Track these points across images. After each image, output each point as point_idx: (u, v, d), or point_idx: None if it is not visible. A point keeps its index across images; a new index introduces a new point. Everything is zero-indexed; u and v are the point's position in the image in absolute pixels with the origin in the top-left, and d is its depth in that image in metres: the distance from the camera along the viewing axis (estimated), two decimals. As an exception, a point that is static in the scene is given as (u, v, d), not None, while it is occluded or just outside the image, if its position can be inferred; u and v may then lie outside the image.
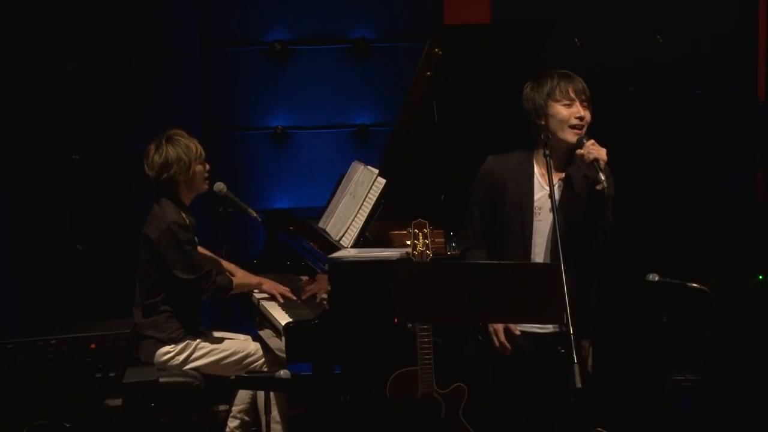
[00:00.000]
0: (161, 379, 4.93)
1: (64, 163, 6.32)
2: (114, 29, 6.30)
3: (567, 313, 3.68)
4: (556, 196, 4.15)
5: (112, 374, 4.06)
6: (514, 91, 4.35)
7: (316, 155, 6.59)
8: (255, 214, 5.60)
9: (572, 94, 4.16)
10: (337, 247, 5.15)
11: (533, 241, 4.18)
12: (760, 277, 5.34)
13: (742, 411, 5.36)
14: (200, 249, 5.31)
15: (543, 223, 4.18)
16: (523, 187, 4.19)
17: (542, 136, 4.14)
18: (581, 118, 4.15)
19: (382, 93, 6.55)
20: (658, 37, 6.47)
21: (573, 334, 3.68)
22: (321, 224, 5.57)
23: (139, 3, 6.35)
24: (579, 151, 4.09)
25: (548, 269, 3.76)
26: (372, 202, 5.14)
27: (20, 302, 6.28)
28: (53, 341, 3.94)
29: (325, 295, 4.92)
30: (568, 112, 4.15)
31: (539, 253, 4.18)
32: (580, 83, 4.20)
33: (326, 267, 4.89)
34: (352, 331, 4.81)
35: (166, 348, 5.08)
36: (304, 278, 5.37)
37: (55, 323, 5.23)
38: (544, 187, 4.18)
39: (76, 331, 4.08)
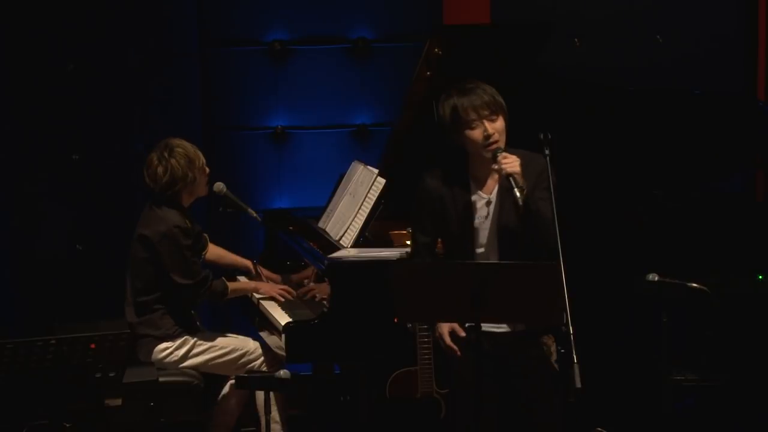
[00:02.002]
0: (161, 379, 4.93)
1: (64, 163, 6.32)
2: (114, 29, 6.30)
3: (567, 314, 3.68)
4: (494, 205, 4.14)
5: (111, 374, 4.07)
6: (514, 91, 4.35)
7: (315, 155, 6.59)
8: (255, 214, 5.60)
9: (473, 116, 4.08)
10: (336, 247, 5.15)
11: (476, 250, 4.16)
12: (760, 277, 5.34)
13: (742, 411, 5.36)
14: (212, 246, 5.34)
15: (485, 231, 4.16)
16: (460, 200, 4.18)
17: (542, 137, 4.12)
18: (489, 136, 4.08)
19: (382, 93, 6.55)
20: (658, 37, 6.47)
21: (573, 333, 3.68)
22: (321, 224, 5.57)
23: (139, 3, 6.35)
24: (493, 166, 4.06)
25: (548, 269, 3.76)
26: (372, 202, 5.14)
27: (20, 302, 6.28)
28: (53, 341, 3.95)
29: (324, 295, 4.92)
30: (477, 134, 4.09)
31: (484, 260, 4.15)
32: (480, 97, 4.08)
33: (326, 267, 4.89)
34: (351, 331, 4.81)
35: (165, 344, 5.08)
36: (302, 275, 5.37)
37: (55, 323, 5.22)
38: (482, 197, 4.17)
39: (76, 331, 4.09)
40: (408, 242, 4.46)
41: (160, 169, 5.04)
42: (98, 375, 4.04)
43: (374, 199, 5.13)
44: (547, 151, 4.07)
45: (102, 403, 4.21)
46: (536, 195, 4.04)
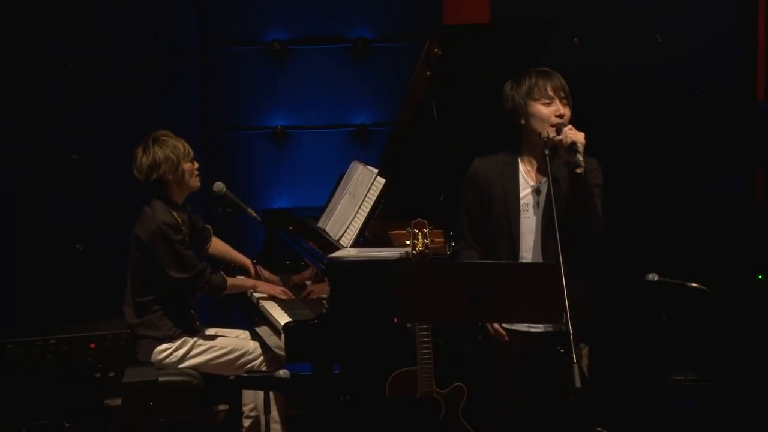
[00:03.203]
0: (160, 379, 4.93)
1: (64, 163, 6.32)
2: (114, 29, 6.30)
3: (566, 313, 3.68)
4: (543, 192, 4.15)
5: (111, 374, 4.07)
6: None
7: (315, 155, 6.59)
8: (255, 214, 5.60)
9: (551, 93, 4.15)
10: (336, 246, 5.14)
11: (521, 238, 4.18)
12: (760, 277, 5.34)
13: (742, 411, 5.36)
14: (215, 240, 5.36)
15: (531, 220, 4.18)
16: (508, 185, 4.20)
17: (541, 136, 4.13)
18: (561, 116, 4.14)
19: (382, 93, 6.55)
20: (657, 37, 6.47)
21: (573, 333, 3.67)
22: (320, 224, 5.57)
23: (138, 3, 6.35)
24: (557, 137, 4.09)
25: (547, 269, 3.76)
26: (371, 202, 5.14)
27: (20, 302, 6.28)
28: (53, 341, 3.95)
29: (324, 295, 4.92)
30: (548, 111, 4.14)
31: (528, 249, 4.18)
32: (559, 80, 4.19)
33: (325, 267, 4.88)
34: (351, 331, 4.81)
35: (164, 346, 5.08)
36: (303, 276, 5.37)
37: (55, 323, 5.23)
38: (530, 185, 4.20)
39: (75, 331, 4.09)
40: (407, 242, 4.46)
41: (144, 158, 5.06)
42: (98, 375, 4.04)
43: (374, 198, 5.13)
44: (547, 151, 4.08)
45: (102, 403, 4.21)
46: (591, 185, 4.09)
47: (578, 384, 3.62)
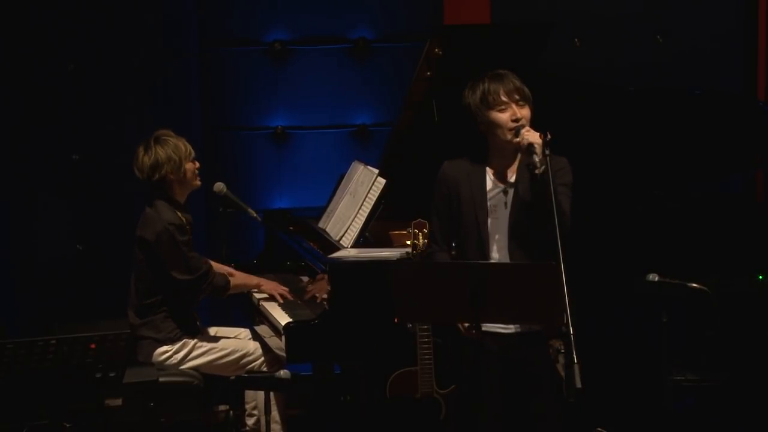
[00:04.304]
0: (161, 379, 4.93)
1: (64, 163, 6.32)
2: (114, 29, 6.30)
3: (567, 314, 3.68)
4: (511, 193, 4.15)
5: (111, 374, 4.07)
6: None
7: (316, 155, 6.59)
8: (255, 214, 5.60)
9: (504, 98, 4.13)
10: (337, 247, 5.15)
11: (490, 239, 4.17)
12: (760, 277, 5.34)
13: (742, 411, 5.36)
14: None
15: (499, 221, 4.18)
16: (476, 187, 4.20)
17: (542, 137, 4.12)
18: (517, 120, 4.12)
19: (382, 93, 6.55)
20: (658, 37, 6.47)
21: (573, 334, 3.67)
22: (321, 224, 5.57)
23: (139, 3, 6.35)
24: (514, 140, 4.09)
25: (547, 269, 3.76)
26: (372, 202, 5.14)
27: (20, 302, 6.28)
28: (53, 341, 3.95)
29: (325, 296, 4.92)
30: (504, 117, 4.13)
31: (497, 250, 4.17)
32: (512, 82, 4.15)
33: (326, 267, 4.89)
34: (352, 331, 4.81)
35: (164, 347, 5.08)
36: (305, 279, 5.37)
37: (55, 323, 5.23)
38: (498, 186, 4.19)
39: (76, 331, 4.09)
40: (408, 242, 4.46)
41: (145, 158, 5.05)
42: (98, 375, 4.04)
43: (374, 199, 5.14)
44: (547, 151, 4.08)
45: (102, 403, 4.21)
46: (554, 185, 4.06)
47: (579, 384, 3.62)
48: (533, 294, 3.75)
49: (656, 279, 4.68)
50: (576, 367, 3.63)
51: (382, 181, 5.15)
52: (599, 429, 5.22)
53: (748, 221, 5.61)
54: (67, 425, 4.17)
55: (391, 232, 5.30)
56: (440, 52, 5.08)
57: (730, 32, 6.63)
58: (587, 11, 6.50)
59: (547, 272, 3.73)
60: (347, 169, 5.64)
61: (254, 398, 5.34)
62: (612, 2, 6.54)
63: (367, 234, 5.15)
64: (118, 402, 4.41)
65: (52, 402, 4.02)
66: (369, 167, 5.38)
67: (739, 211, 5.76)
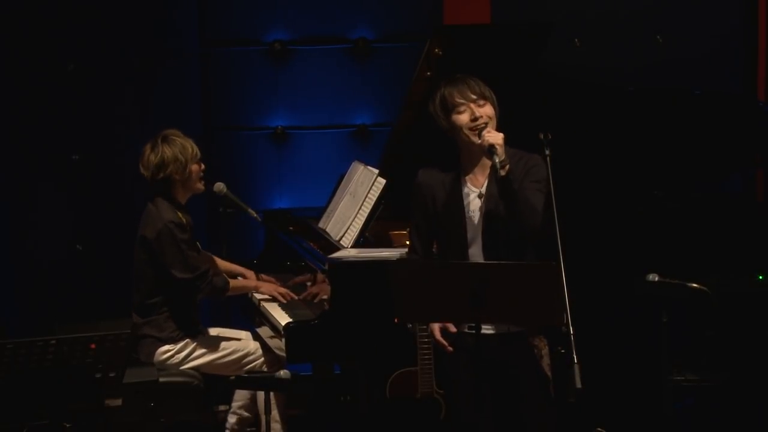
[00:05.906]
0: (161, 379, 4.93)
1: (64, 163, 6.32)
2: (114, 29, 6.30)
3: (567, 314, 3.68)
4: (485, 196, 4.13)
5: (111, 374, 4.06)
6: (514, 92, 4.34)
7: (316, 155, 6.59)
8: (255, 214, 5.60)
9: (460, 100, 4.10)
10: (337, 247, 5.15)
11: (469, 243, 4.15)
12: (760, 277, 5.34)
13: (742, 411, 5.36)
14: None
15: (478, 225, 4.16)
16: (452, 192, 4.18)
17: (542, 137, 4.12)
18: (477, 119, 4.10)
19: (382, 93, 6.55)
20: (658, 37, 6.47)
21: (573, 333, 3.67)
22: (321, 224, 5.57)
23: (139, 3, 6.35)
24: (477, 142, 4.08)
25: (547, 269, 3.76)
26: (372, 203, 5.14)
27: (20, 302, 6.29)
28: (53, 341, 3.94)
29: (325, 296, 4.92)
30: (464, 119, 4.10)
31: (476, 255, 4.13)
32: (466, 84, 4.12)
33: (326, 267, 4.89)
34: (352, 331, 4.81)
35: (166, 347, 5.08)
36: (304, 277, 5.37)
37: (55, 323, 5.22)
38: (473, 190, 4.18)
39: (76, 331, 4.08)
40: (408, 242, 4.47)
41: (152, 156, 5.05)
42: (98, 375, 4.04)
43: (374, 199, 5.14)
44: (547, 151, 4.07)
45: (102, 403, 4.21)
46: (525, 183, 4.04)
47: (579, 384, 3.62)
48: (533, 294, 3.75)
49: (656, 279, 4.68)
50: (576, 367, 3.64)
51: (382, 181, 5.15)
52: (599, 429, 5.22)
53: (748, 221, 5.61)
54: (67, 425, 4.17)
55: (391, 232, 5.31)
56: (440, 52, 5.08)
57: (730, 32, 6.64)
58: (587, 11, 6.50)
59: (547, 272, 3.73)
60: (347, 169, 5.64)
61: (243, 397, 5.33)
62: (612, 2, 6.54)
63: (367, 234, 5.15)
64: (118, 402, 4.41)
65: (52, 402, 4.01)
66: (369, 167, 5.38)
67: (739, 211, 5.76)
